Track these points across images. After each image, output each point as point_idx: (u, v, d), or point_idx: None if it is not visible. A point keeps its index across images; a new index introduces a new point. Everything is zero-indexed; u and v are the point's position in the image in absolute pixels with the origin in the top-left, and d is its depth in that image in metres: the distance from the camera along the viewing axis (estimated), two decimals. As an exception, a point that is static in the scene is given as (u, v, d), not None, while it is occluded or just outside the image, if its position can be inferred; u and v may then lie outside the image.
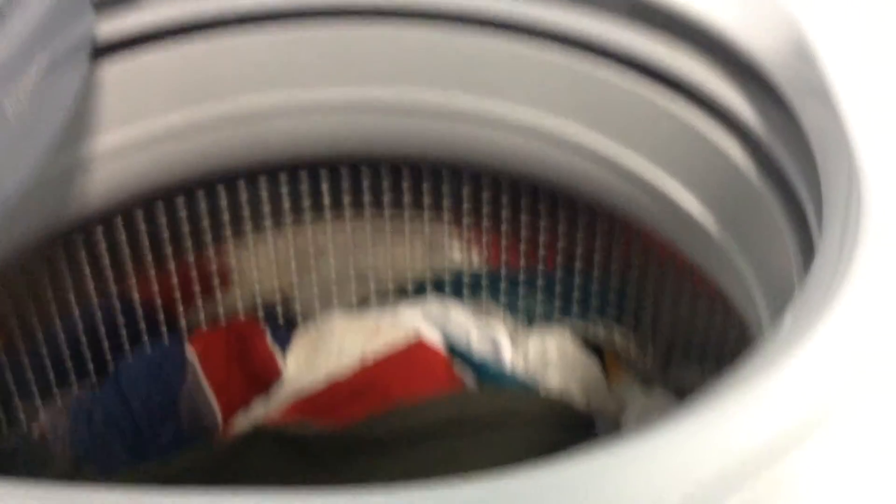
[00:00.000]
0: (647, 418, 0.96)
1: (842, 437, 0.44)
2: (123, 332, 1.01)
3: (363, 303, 1.12)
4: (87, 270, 0.94)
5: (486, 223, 1.03)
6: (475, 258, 1.07)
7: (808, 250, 0.62)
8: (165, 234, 0.97)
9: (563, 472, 0.40)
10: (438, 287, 1.10)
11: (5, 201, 0.59)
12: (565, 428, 0.95)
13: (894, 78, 0.60)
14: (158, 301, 1.02)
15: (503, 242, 1.04)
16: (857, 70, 0.60)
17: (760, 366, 0.47)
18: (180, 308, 1.04)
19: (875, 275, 0.49)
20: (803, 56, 0.63)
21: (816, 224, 0.60)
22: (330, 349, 1.06)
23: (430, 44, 0.83)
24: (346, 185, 1.01)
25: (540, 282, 1.06)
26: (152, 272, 0.99)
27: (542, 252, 1.03)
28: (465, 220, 1.03)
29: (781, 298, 0.64)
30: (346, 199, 1.02)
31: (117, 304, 0.99)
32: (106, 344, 1.00)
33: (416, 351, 1.03)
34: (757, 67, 0.68)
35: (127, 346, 1.02)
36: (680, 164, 0.78)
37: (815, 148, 0.60)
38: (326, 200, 1.02)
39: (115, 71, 0.77)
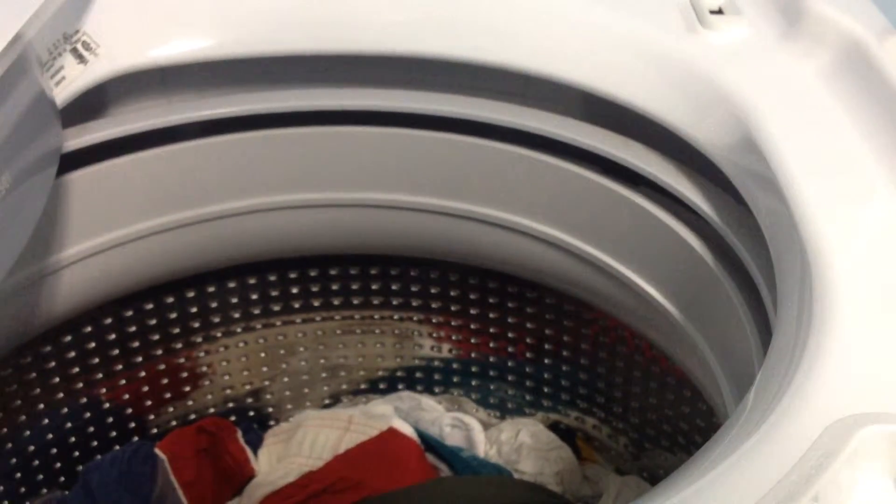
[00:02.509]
0: (622, 502, 0.96)
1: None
2: (92, 435, 1.00)
3: (335, 398, 1.12)
4: (56, 377, 0.94)
5: (455, 315, 1.04)
6: (446, 350, 1.07)
7: (766, 332, 0.63)
8: (134, 338, 0.97)
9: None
10: (410, 380, 1.11)
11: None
12: (542, 514, 0.95)
13: (839, 165, 0.63)
14: (128, 404, 1.02)
15: (473, 333, 1.05)
16: (804, 157, 0.63)
17: (722, 452, 0.47)
18: (149, 409, 1.04)
19: (828, 353, 0.51)
20: (752, 146, 0.65)
21: (773, 307, 0.62)
22: (302, 445, 1.06)
23: (392, 145, 0.85)
24: (314, 283, 1.02)
25: (510, 372, 1.06)
26: (121, 375, 0.99)
27: (511, 342, 1.03)
28: (435, 314, 1.04)
29: (744, 381, 0.65)
30: (316, 297, 1.03)
31: (86, 409, 0.98)
32: (75, 448, 1.00)
33: (388, 441, 1.03)
34: (708, 159, 0.70)
35: (96, 450, 1.01)
36: (641, 255, 0.79)
37: (766, 234, 0.62)
38: (296, 299, 1.03)
39: (81, 181, 0.78)
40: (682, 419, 0.90)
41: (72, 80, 0.77)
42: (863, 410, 0.47)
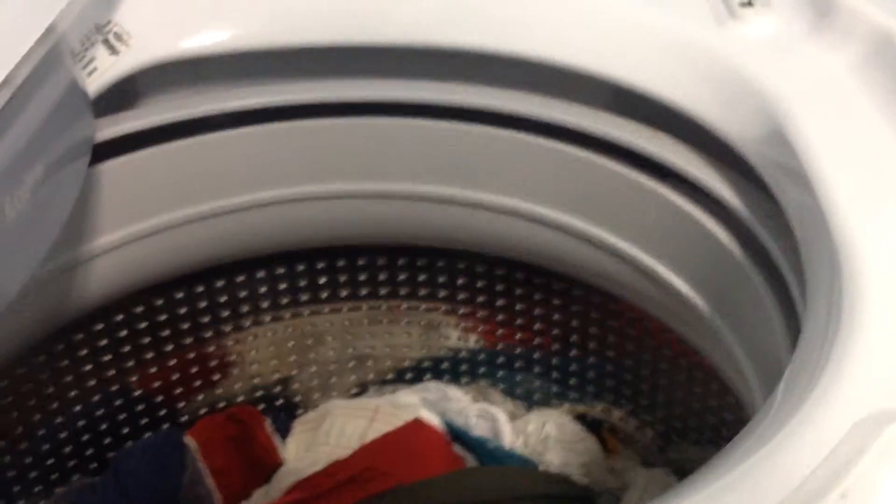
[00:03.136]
0: (649, 496, 0.96)
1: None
2: (123, 423, 1.02)
3: (362, 388, 1.12)
4: (88, 365, 0.95)
5: (481, 306, 1.04)
6: (472, 340, 1.08)
7: (794, 326, 0.63)
8: (164, 326, 0.98)
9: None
10: (436, 371, 1.11)
11: (5, 300, 0.60)
12: (568, 504, 0.95)
13: (869, 158, 0.62)
14: (158, 392, 1.03)
15: (499, 324, 1.05)
16: (834, 151, 0.62)
17: (750, 447, 0.47)
18: (180, 397, 1.05)
19: (858, 348, 0.50)
20: (781, 140, 0.65)
21: (801, 300, 0.61)
22: (329, 434, 1.07)
23: (420, 136, 0.85)
24: (342, 273, 1.03)
25: (537, 364, 1.06)
26: (152, 363, 1.00)
27: (538, 334, 1.03)
28: (461, 304, 1.04)
29: (772, 376, 0.65)
30: (343, 287, 1.04)
31: (117, 396, 1.00)
32: (106, 435, 1.01)
33: (414, 431, 1.04)
34: (737, 152, 0.69)
35: (127, 437, 1.03)
36: (668, 247, 0.79)
37: (794, 225, 0.62)
38: (324, 289, 1.03)
39: (113, 171, 0.79)
40: (709, 412, 0.89)
41: (104, 70, 0.77)
42: (893, 407, 0.46)
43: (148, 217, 0.84)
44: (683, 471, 0.96)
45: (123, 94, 0.81)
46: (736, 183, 0.72)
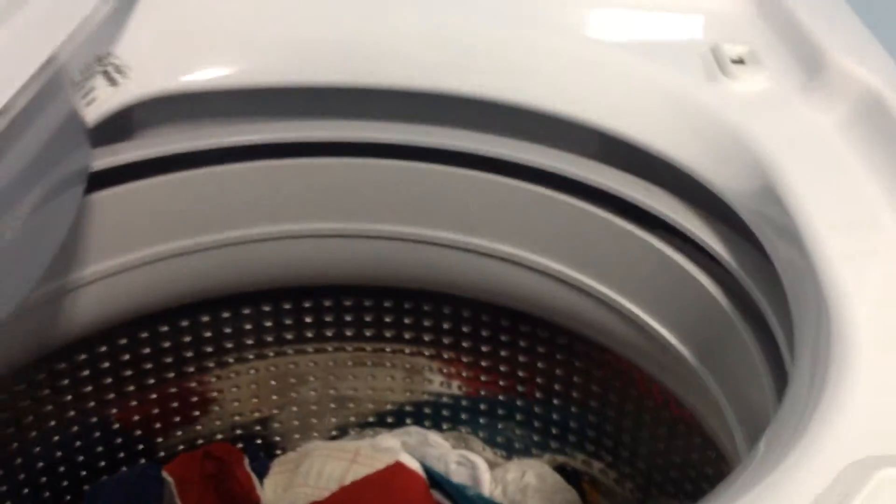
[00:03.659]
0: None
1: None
2: (101, 456, 1.00)
3: (342, 429, 1.12)
4: (69, 395, 0.94)
5: (466, 352, 1.04)
6: (455, 387, 1.08)
7: (781, 378, 0.63)
8: (147, 360, 0.98)
9: None
10: (418, 415, 1.11)
11: (-4, 324, 0.60)
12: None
13: (857, 216, 0.63)
14: (137, 425, 1.02)
15: (483, 371, 1.05)
16: (823, 208, 0.63)
17: (734, 496, 0.47)
18: (158, 432, 1.04)
19: (846, 398, 0.51)
20: (772, 195, 0.66)
21: (788, 353, 0.62)
22: (308, 475, 1.06)
23: (410, 179, 0.86)
24: (328, 314, 1.03)
25: (519, 412, 1.06)
26: (132, 397, 0.99)
27: (521, 382, 1.04)
28: (446, 349, 1.04)
29: (757, 427, 0.65)
30: (329, 328, 1.04)
31: (96, 428, 0.99)
32: (82, 468, 1.00)
33: (394, 474, 1.03)
34: (728, 205, 0.70)
35: (103, 471, 1.01)
36: (656, 298, 0.80)
37: (783, 279, 0.62)
38: (309, 329, 1.03)
39: (107, 201, 0.79)
40: (691, 466, 0.89)
41: (102, 101, 0.78)
42: (881, 453, 0.47)
43: (138, 248, 0.85)
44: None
45: (121, 125, 0.82)
46: (726, 236, 0.73)
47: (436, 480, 1.04)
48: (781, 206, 0.64)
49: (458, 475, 1.06)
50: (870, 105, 0.70)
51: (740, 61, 0.78)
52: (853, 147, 0.69)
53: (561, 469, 1.07)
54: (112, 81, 0.79)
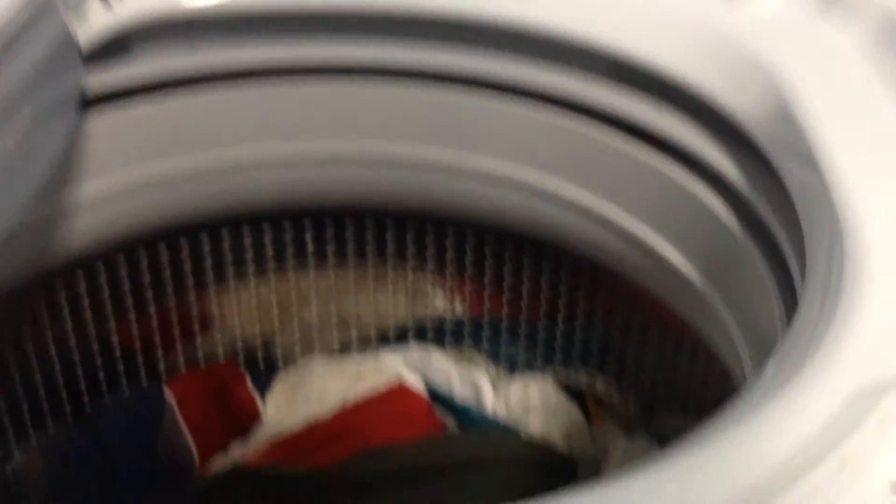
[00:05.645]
0: (629, 463, 0.96)
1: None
2: (101, 374, 1.01)
3: (345, 348, 1.12)
4: (67, 313, 0.94)
5: (469, 272, 1.03)
6: (458, 306, 1.07)
7: (790, 301, 0.63)
8: (147, 280, 0.97)
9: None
10: (421, 334, 1.10)
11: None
12: (547, 471, 0.95)
13: (875, 137, 0.62)
14: (138, 344, 1.02)
15: (486, 291, 1.04)
16: (840, 130, 0.62)
17: (742, 413, 0.47)
18: (159, 351, 1.04)
19: (858, 319, 0.50)
20: (785, 115, 0.64)
21: (799, 275, 0.61)
22: (310, 393, 1.06)
23: (415, 100, 0.84)
24: (329, 234, 1.02)
25: (523, 330, 1.06)
26: (132, 316, 0.99)
27: (525, 302, 1.03)
28: (449, 270, 1.04)
29: (764, 349, 0.65)
30: (330, 248, 1.03)
31: (96, 347, 0.99)
32: (83, 386, 1.00)
33: (396, 394, 1.03)
34: (739, 126, 0.69)
35: (105, 389, 1.02)
36: (664, 219, 0.79)
37: (797, 202, 0.61)
38: (310, 249, 1.02)
39: (102, 121, 0.78)
40: (696, 384, 0.89)
41: (96, 24, 0.76)
42: (893, 376, 0.46)
43: (134, 170, 0.84)
44: (665, 438, 0.97)
45: (115, 48, 0.80)
46: (737, 158, 0.71)
47: (438, 398, 1.05)
48: (797, 128, 0.63)
49: (461, 393, 1.07)
50: (888, 25, 0.68)
51: (756, -18, 0.76)
52: (871, 67, 0.67)
53: (565, 386, 1.07)
54: (107, 4, 0.78)
